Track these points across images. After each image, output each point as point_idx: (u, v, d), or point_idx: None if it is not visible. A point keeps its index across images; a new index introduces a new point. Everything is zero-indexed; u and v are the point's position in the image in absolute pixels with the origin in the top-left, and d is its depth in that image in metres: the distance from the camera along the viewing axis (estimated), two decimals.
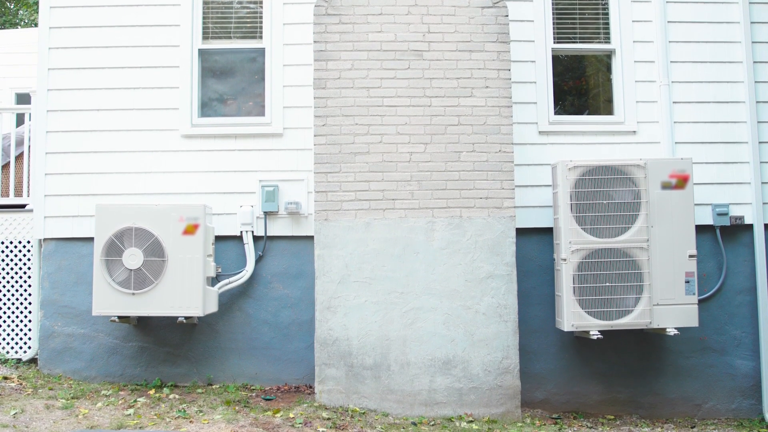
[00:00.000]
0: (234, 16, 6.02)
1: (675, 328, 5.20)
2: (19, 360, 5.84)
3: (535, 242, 5.71)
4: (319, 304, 5.14)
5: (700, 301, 5.57)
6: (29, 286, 5.89)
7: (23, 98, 9.56)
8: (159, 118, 5.78)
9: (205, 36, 5.94)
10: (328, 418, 4.73)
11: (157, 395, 5.20)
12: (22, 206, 6.15)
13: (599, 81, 6.17)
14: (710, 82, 5.90)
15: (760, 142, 5.82)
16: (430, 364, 5.10)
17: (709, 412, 5.67)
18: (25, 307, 5.88)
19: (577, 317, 5.16)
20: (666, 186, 5.26)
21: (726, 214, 5.74)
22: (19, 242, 5.93)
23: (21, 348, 5.87)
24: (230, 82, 6.00)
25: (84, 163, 5.75)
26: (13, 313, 5.88)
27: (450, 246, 5.17)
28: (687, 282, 5.22)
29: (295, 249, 5.72)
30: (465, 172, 5.23)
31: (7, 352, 5.85)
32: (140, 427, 4.39)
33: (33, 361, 5.83)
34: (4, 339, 5.87)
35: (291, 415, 4.77)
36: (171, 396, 5.19)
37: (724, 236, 5.78)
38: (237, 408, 4.89)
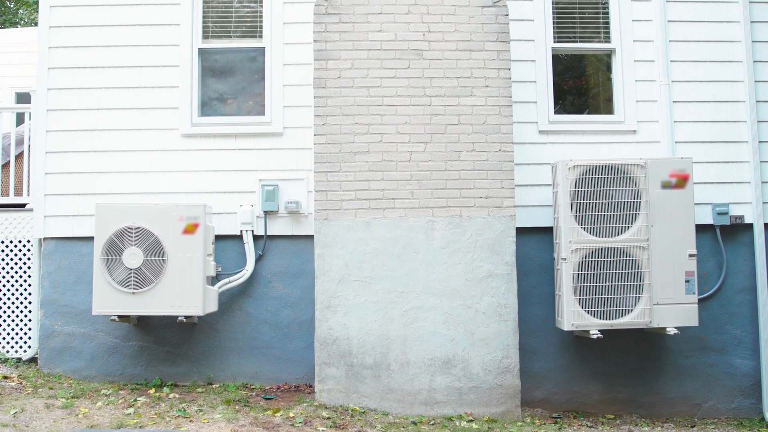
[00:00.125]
0: (234, 16, 6.02)
1: (675, 328, 5.20)
2: (19, 359, 5.84)
3: (535, 241, 5.71)
4: (319, 304, 5.14)
5: (700, 301, 5.58)
6: (29, 285, 5.89)
7: (23, 97, 9.56)
8: (159, 118, 5.78)
9: (205, 35, 5.94)
10: (328, 418, 4.73)
11: (157, 394, 5.20)
12: (22, 205, 6.15)
13: (599, 80, 6.17)
14: (710, 81, 5.90)
15: (760, 142, 5.82)
16: (430, 364, 5.10)
17: (709, 412, 5.67)
18: (25, 307, 5.89)
19: (577, 316, 5.16)
20: (666, 185, 5.26)
21: (726, 213, 5.74)
22: (19, 241, 5.93)
23: (21, 347, 5.87)
24: (230, 81, 6.00)
25: (84, 163, 5.75)
26: (13, 312, 5.88)
27: (450, 245, 5.17)
28: (687, 281, 5.22)
29: (295, 248, 5.72)
30: (465, 172, 5.23)
31: (7, 352, 5.86)
32: (140, 427, 4.39)
33: (33, 360, 5.84)
34: (4, 338, 5.87)
35: (291, 415, 4.77)
36: (171, 395, 5.19)
37: (724, 235, 5.78)
38: (237, 407, 4.89)
